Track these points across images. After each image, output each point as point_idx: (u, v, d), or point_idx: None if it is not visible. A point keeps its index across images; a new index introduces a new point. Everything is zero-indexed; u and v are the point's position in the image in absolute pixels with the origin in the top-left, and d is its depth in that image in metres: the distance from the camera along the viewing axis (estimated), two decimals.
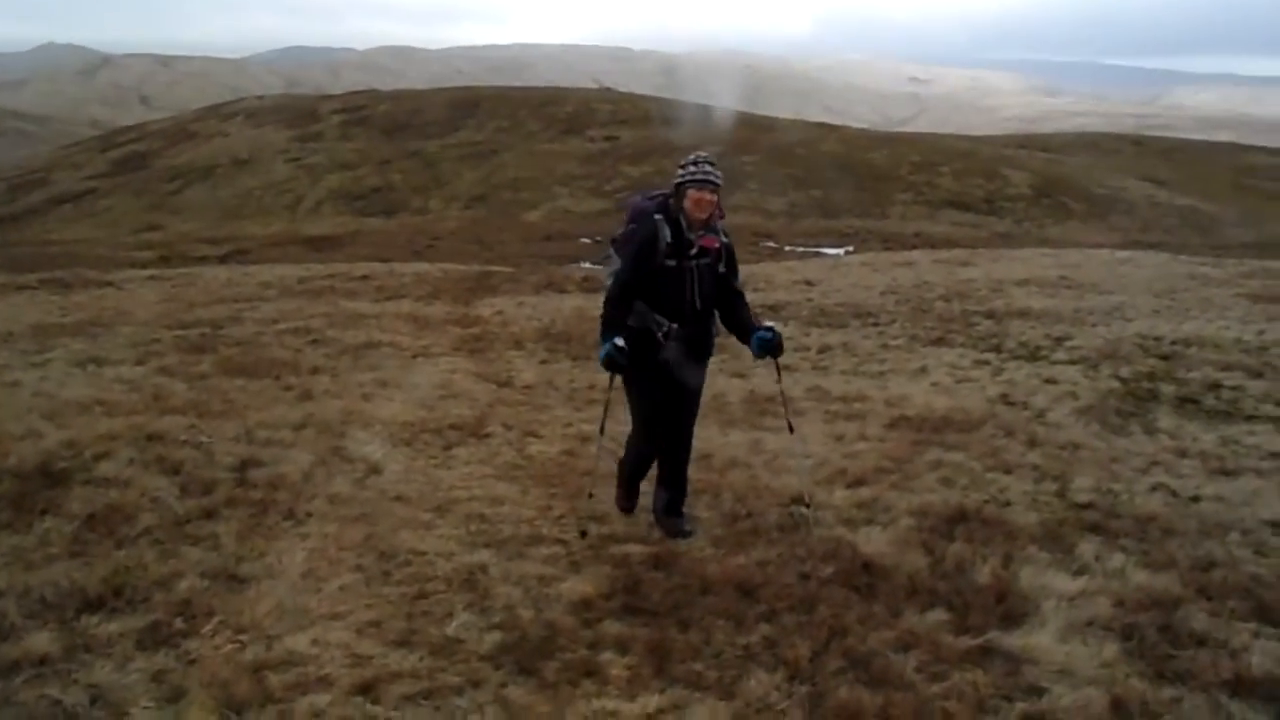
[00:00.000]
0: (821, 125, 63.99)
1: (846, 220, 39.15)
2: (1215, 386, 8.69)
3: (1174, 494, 5.41)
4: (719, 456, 6.28)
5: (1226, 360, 9.84)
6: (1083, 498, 5.31)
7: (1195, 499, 5.33)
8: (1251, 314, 13.32)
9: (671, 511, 4.82)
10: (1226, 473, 5.97)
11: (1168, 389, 8.50)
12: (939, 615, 3.86)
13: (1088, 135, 72.70)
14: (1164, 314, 13.24)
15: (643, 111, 61.65)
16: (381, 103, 63.58)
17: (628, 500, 5.03)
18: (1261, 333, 11.23)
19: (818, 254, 28.15)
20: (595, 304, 15.11)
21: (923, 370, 9.45)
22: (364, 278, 17.37)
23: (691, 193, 4.35)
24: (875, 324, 12.36)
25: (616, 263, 4.57)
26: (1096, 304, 14.04)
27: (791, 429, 5.00)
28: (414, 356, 9.97)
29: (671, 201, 4.42)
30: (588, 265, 24.04)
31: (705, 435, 6.88)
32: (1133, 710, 3.16)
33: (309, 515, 4.95)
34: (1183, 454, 6.44)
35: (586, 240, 32.58)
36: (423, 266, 20.73)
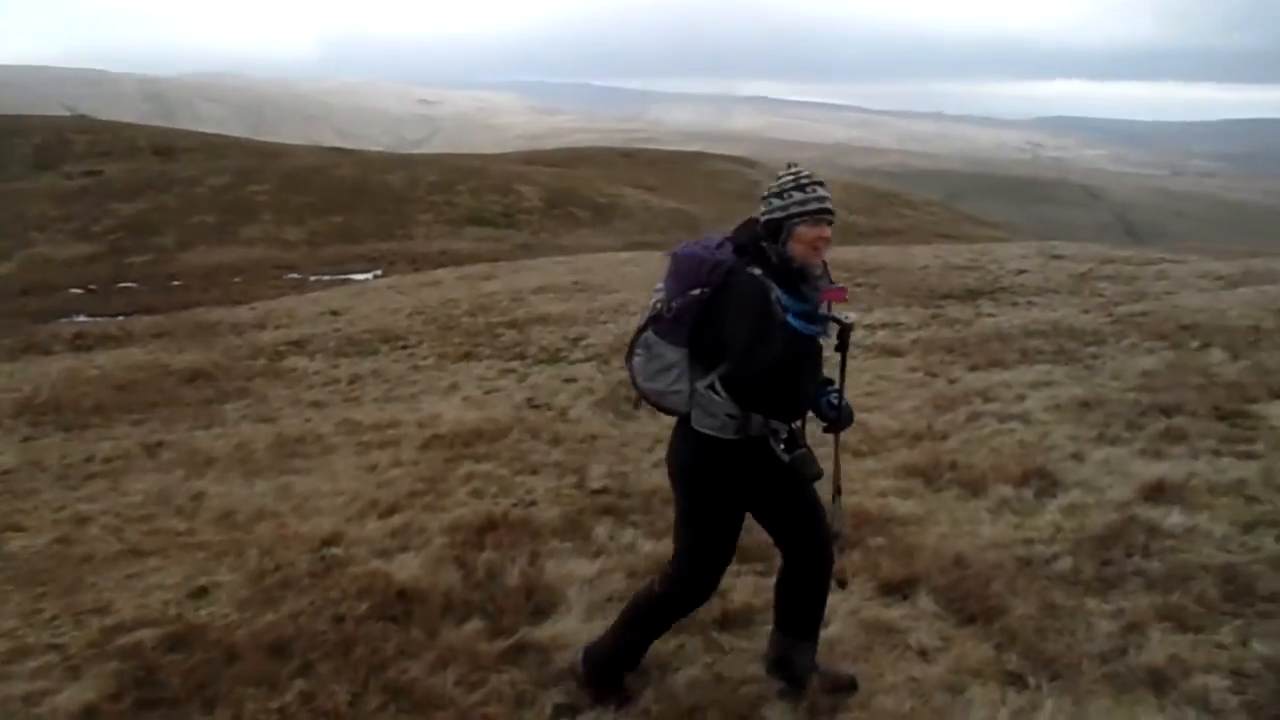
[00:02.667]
0: (335, 150, 62.63)
1: (371, 244, 38.67)
2: None
3: None
4: (244, 511, 5.87)
5: None
6: (597, 484, 5.79)
7: None
8: None
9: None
10: None
11: None
12: (474, 625, 3.96)
13: (585, 150, 79.49)
14: None
15: (127, 141, 55.63)
16: None
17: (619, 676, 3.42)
18: None
19: (346, 280, 27.51)
20: (90, 361, 13.51)
21: (453, 387, 9.65)
22: None
23: (806, 230, 2.94)
24: (404, 347, 12.39)
25: (668, 354, 3.01)
26: (606, 303, 15.37)
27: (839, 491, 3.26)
28: None
29: (764, 245, 2.98)
30: (83, 319, 21.13)
31: (227, 490, 6.41)
32: (647, 663, 3.49)
33: None
34: None
35: (78, 291, 28.62)
36: None
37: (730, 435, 2.97)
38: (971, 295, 13.47)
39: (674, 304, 2.96)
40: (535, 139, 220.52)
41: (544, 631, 3.87)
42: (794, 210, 2.93)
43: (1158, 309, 10.88)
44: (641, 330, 3.07)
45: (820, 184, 2.95)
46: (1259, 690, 3.10)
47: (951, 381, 8.20)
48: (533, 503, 5.56)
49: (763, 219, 3.00)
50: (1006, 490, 5.13)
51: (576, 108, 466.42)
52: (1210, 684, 3.10)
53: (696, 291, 2.93)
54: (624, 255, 24.91)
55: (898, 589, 3.99)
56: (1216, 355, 8.18)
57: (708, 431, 2.98)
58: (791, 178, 2.97)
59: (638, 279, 18.45)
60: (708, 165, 66.84)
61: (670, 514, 4.96)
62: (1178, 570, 3.97)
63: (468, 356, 11.24)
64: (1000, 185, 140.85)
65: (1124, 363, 8.19)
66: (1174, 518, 4.48)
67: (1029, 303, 12.50)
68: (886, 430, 6.67)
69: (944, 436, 6.39)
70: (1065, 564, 4.14)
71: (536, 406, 8.38)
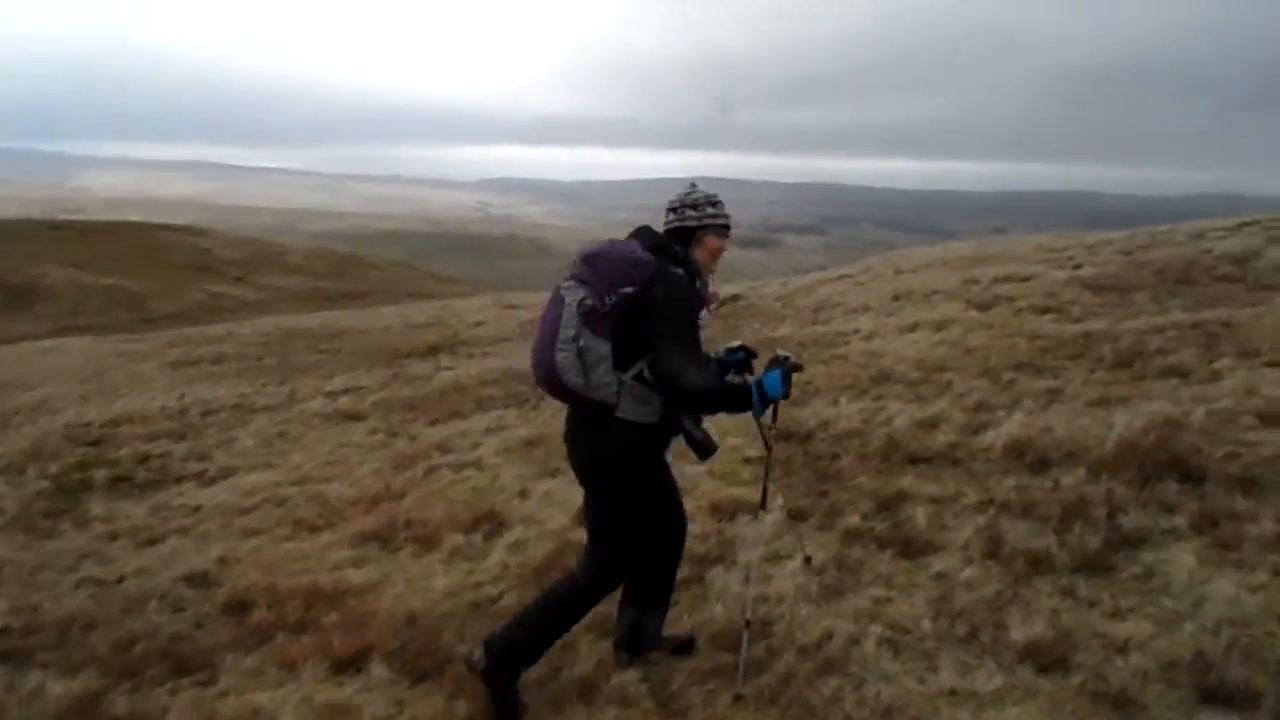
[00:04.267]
0: None
1: None
2: (145, 459, 8.96)
3: (100, 583, 5.34)
4: None
5: (154, 431, 10.24)
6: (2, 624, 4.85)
7: (120, 580, 5.35)
8: (174, 381, 14.18)
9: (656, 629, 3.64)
10: (153, 541, 6.18)
11: (100, 474, 8.44)
12: None
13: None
14: (93, 398, 13.15)
15: None
16: None
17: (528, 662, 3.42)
18: (182, 396, 12.02)
19: None
20: None
21: None
22: None
23: (712, 240, 3.35)
24: None
25: (600, 349, 3.11)
26: (23, 401, 13.18)
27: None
28: None
29: (678, 248, 3.28)
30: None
31: None
32: None
33: None
34: (114, 537, 6.45)
35: None
36: None
37: (655, 419, 3.20)
38: (432, 351, 13.91)
39: (607, 301, 3.08)
40: None
41: None
42: (707, 221, 3.33)
43: None
44: (557, 329, 3.11)
45: (723, 202, 3.40)
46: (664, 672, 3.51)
47: (411, 439, 8.33)
48: None
49: (669, 228, 3.35)
50: (459, 539, 5.30)
51: None
52: (626, 681, 3.44)
53: (629, 289, 3.09)
54: (47, 344, 21.62)
55: (351, 663, 3.88)
56: None
57: (638, 419, 3.17)
58: (703, 194, 3.37)
59: (64, 370, 16.16)
60: (152, 236, 60.94)
61: (90, 640, 4.38)
62: None
63: None
64: (459, 243, 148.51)
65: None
66: None
67: (484, 353, 13.23)
68: (345, 499, 6.55)
69: (401, 495, 6.45)
70: (510, 600, 4.37)
71: None
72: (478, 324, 16.64)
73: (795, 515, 4.76)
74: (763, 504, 3.75)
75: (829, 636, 3.53)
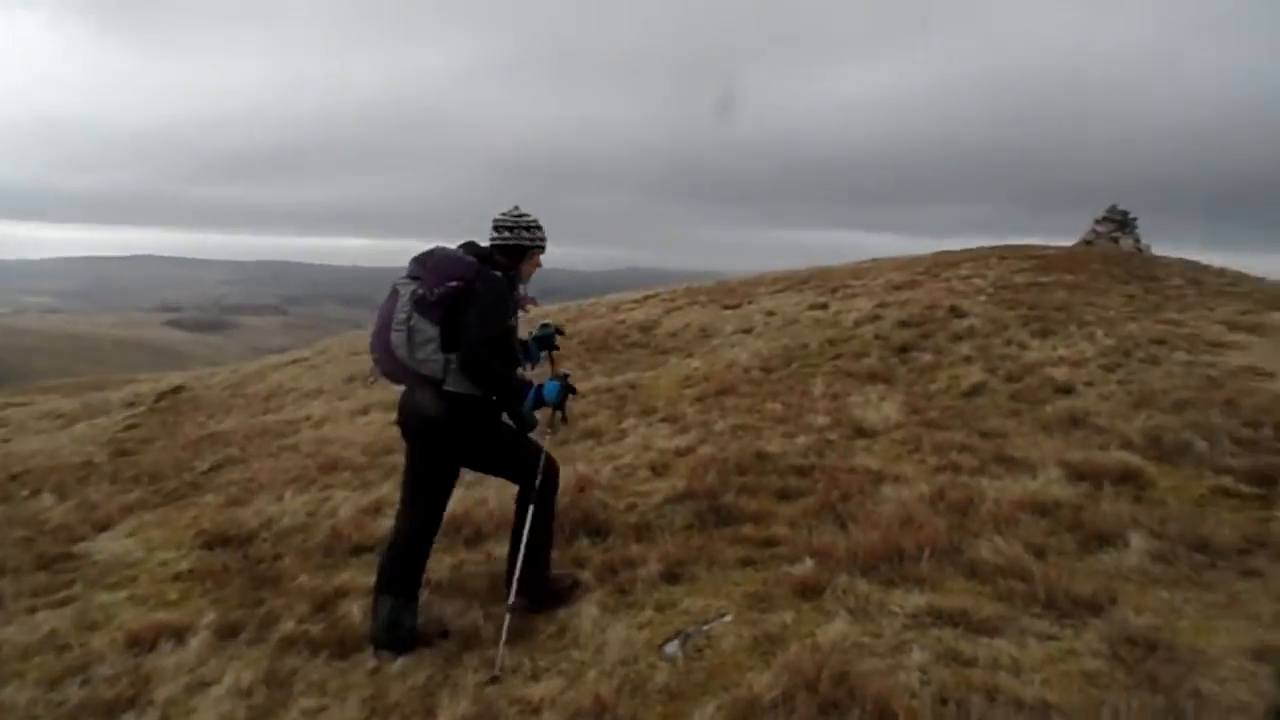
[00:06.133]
0: None
1: None
2: None
3: None
4: None
5: None
6: None
7: None
8: None
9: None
10: None
11: None
12: None
13: None
14: None
15: None
16: None
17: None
18: None
19: None
20: None
21: None
22: None
23: (536, 258, 4.22)
24: None
25: (428, 330, 3.82)
26: None
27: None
28: None
29: (500, 259, 4.04)
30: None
31: None
32: None
33: None
34: None
35: None
36: None
37: (477, 393, 3.86)
38: None
39: (435, 291, 3.79)
40: None
41: None
42: (538, 242, 4.14)
43: None
44: (391, 315, 3.82)
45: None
46: None
47: None
48: None
49: (500, 242, 4.07)
50: None
51: None
52: None
53: (454, 283, 3.80)
54: None
55: None
56: (47, 500, 8.06)
57: (464, 391, 3.83)
58: (533, 218, 4.12)
59: None
60: None
61: None
62: None
63: None
64: None
65: None
66: None
67: None
68: None
69: None
70: None
71: None
72: None
73: (225, 632, 4.41)
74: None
75: None
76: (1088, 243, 19.21)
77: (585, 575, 4.44)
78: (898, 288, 13.95)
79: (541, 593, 4.14)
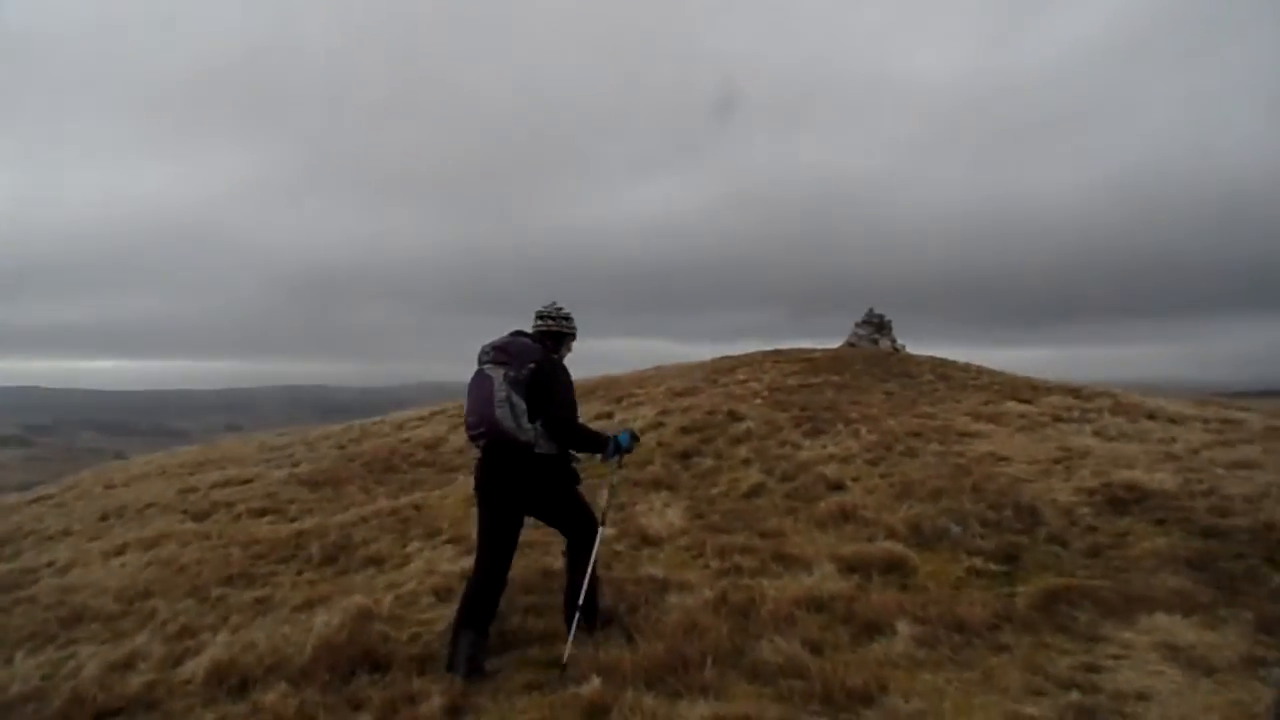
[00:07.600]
0: None
1: None
2: None
3: None
4: None
5: None
6: None
7: None
8: None
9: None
10: None
11: None
12: None
13: None
14: None
15: None
16: None
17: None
18: None
19: None
20: None
21: None
22: None
23: (571, 344, 5.16)
24: None
25: (521, 404, 4.68)
26: None
27: None
28: None
29: (548, 344, 4.97)
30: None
31: None
32: None
33: None
34: None
35: None
36: None
37: (555, 452, 4.81)
38: None
39: (522, 373, 4.70)
40: None
41: None
42: (575, 331, 5.15)
43: None
44: (492, 394, 4.64)
45: None
46: None
47: None
48: None
49: (543, 330, 5.03)
50: None
51: None
52: None
53: (532, 364, 4.73)
54: None
55: None
56: None
57: (547, 452, 4.77)
58: (568, 310, 5.11)
59: None
60: None
61: None
62: None
63: None
64: None
65: None
66: None
67: None
68: None
69: None
70: None
71: None
72: None
73: None
74: (603, 520, 5.12)
75: None
76: (851, 344, 20.63)
77: (365, 717, 4.17)
78: (679, 394, 14.39)
79: (596, 615, 4.91)
